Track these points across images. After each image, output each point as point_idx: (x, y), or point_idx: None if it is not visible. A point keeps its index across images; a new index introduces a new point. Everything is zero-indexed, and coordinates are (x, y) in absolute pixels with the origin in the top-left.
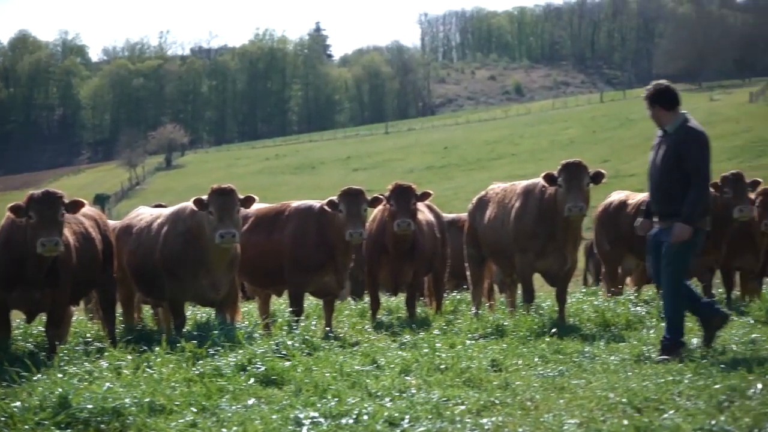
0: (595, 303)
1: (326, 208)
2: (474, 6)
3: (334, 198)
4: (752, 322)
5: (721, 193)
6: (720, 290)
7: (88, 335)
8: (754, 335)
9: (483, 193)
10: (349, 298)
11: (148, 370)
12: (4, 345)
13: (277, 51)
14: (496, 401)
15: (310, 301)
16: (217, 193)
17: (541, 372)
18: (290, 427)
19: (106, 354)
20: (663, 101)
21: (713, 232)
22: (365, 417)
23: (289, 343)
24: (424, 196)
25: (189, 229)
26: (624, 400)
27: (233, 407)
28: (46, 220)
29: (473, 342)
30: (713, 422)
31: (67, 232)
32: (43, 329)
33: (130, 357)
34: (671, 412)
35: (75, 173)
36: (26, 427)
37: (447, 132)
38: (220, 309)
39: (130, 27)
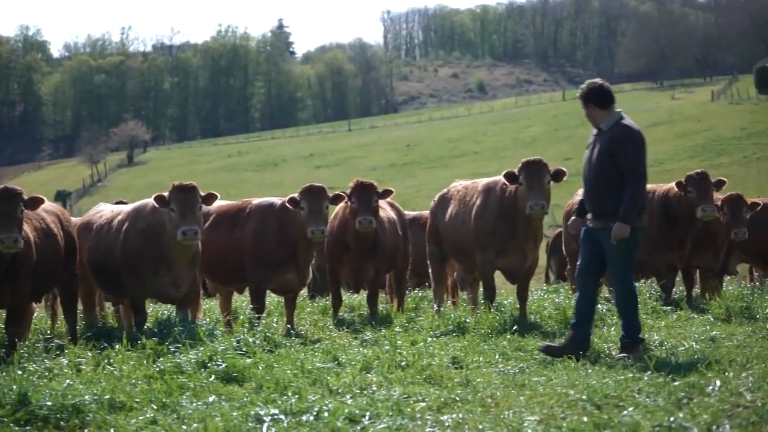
0: (557, 300)
1: (288, 205)
2: (437, 4)
3: (296, 195)
4: (712, 319)
5: (686, 192)
6: (681, 288)
7: (49, 332)
8: (713, 333)
9: (445, 190)
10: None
11: (108, 367)
12: None
13: (240, 48)
14: (457, 398)
15: (272, 299)
16: (179, 190)
17: (502, 369)
18: (250, 424)
19: (66, 351)
20: (597, 100)
21: (677, 230)
22: (326, 414)
23: (251, 340)
24: (386, 193)
25: (149, 226)
26: (584, 396)
27: (194, 404)
28: (5, 217)
29: (434, 339)
30: (672, 419)
31: (27, 228)
32: (2, 326)
33: (90, 354)
34: (631, 408)
35: (36, 170)
36: None
37: (410, 130)
38: (181, 306)
39: (92, 23)
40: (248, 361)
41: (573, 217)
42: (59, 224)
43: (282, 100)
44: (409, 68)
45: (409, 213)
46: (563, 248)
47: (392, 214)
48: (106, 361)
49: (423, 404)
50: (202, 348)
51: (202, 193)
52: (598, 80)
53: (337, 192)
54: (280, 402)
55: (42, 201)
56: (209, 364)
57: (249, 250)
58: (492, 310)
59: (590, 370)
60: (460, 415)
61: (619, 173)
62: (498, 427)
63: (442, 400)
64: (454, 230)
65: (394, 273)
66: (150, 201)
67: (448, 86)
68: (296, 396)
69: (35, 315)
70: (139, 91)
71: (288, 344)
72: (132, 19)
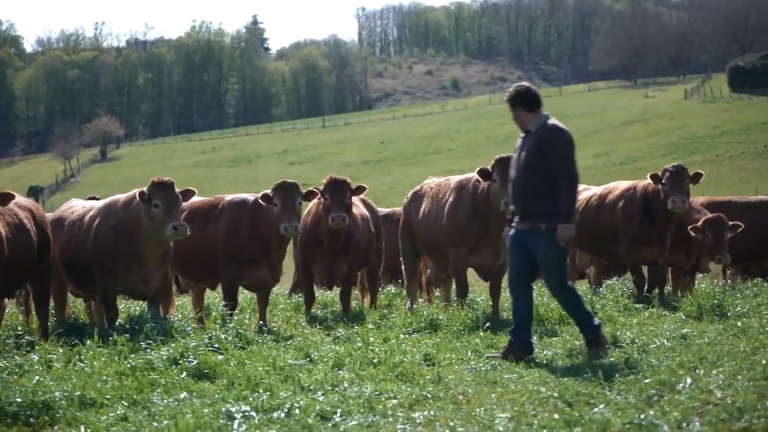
0: None
1: (261, 201)
2: (411, 1)
3: (269, 191)
4: (684, 317)
5: (661, 185)
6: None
7: (20, 328)
8: (685, 330)
9: (418, 187)
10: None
11: (79, 363)
12: None
13: (214, 44)
14: (428, 395)
15: (245, 295)
16: (161, 186)
17: (474, 366)
18: (222, 421)
19: (37, 347)
20: (524, 102)
21: (656, 225)
22: (297, 411)
23: (222, 336)
24: (359, 190)
25: (121, 222)
26: (555, 394)
27: (165, 401)
28: None
29: (407, 336)
30: (642, 416)
31: None
32: None
33: (61, 350)
34: (602, 406)
35: (8, 165)
36: None
37: (384, 126)
38: (152, 302)
39: (65, 18)
40: (220, 357)
41: (507, 228)
42: (32, 220)
43: (256, 96)
44: (384, 65)
45: (383, 210)
46: None
47: (365, 211)
48: (77, 357)
49: (395, 401)
50: (173, 344)
51: (179, 189)
52: (525, 84)
53: (310, 188)
54: (251, 399)
55: (12, 197)
56: (181, 361)
57: (221, 247)
58: (465, 307)
59: (562, 367)
60: (432, 412)
61: (550, 173)
62: (469, 424)
63: (414, 397)
64: (427, 227)
65: (367, 270)
66: (121, 197)
67: (423, 83)
68: (268, 393)
69: (7, 311)
70: (113, 87)
71: (260, 341)
72: (106, 15)
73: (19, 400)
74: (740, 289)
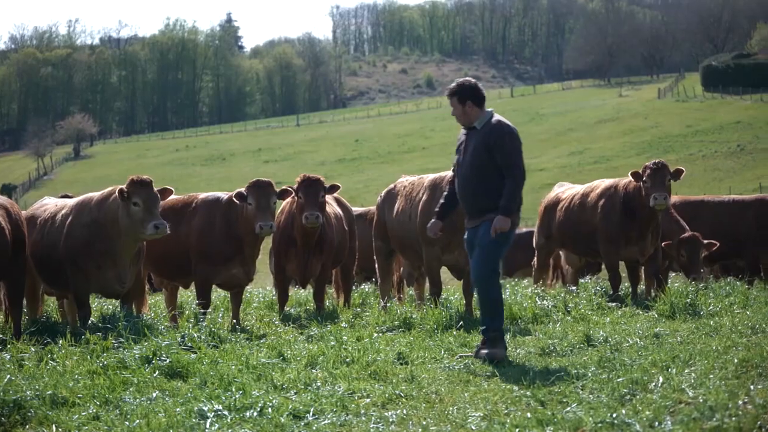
0: (503, 296)
1: (235, 200)
2: None
3: (243, 190)
4: (657, 316)
5: (642, 183)
6: (626, 284)
7: None
8: (657, 329)
9: (392, 186)
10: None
11: (51, 362)
12: None
13: (188, 41)
14: (402, 394)
15: (218, 293)
16: (141, 184)
17: (447, 365)
18: (194, 420)
19: (9, 346)
20: (475, 97)
21: (637, 223)
22: (270, 410)
23: (195, 335)
24: (333, 188)
25: (95, 220)
26: (528, 393)
27: (137, 400)
28: None
29: (380, 335)
30: (615, 415)
31: None
32: None
33: (33, 349)
34: (574, 405)
35: None
36: None
37: (358, 125)
38: (125, 301)
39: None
40: (193, 356)
41: (433, 220)
42: (7, 217)
43: (230, 94)
44: (358, 63)
45: (358, 209)
46: (533, 242)
47: (338, 210)
48: (49, 356)
49: (367, 400)
50: (146, 343)
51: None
52: (470, 79)
53: (284, 187)
54: (224, 398)
55: None
56: (153, 360)
57: (195, 245)
58: (438, 306)
59: (535, 367)
60: (405, 411)
61: (497, 171)
62: (442, 422)
63: (387, 396)
64: (401, 226)
65: (340, 268)
66: (95, 195)
67: (397, 82)
68: (240, 392)
69: None
70: (87, 85)
71: (233, 340)
72: (79, 12)
73: None
74: (713, 288)
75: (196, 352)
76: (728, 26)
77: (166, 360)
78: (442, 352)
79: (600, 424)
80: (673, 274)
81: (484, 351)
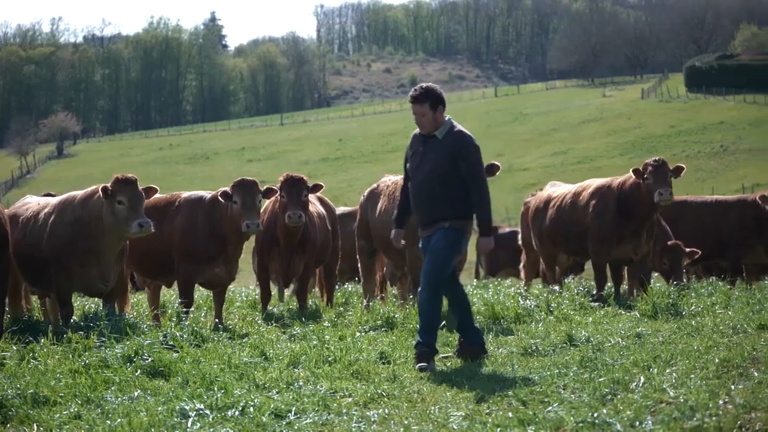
0: (485, 296)
1: (220, 199)
2: None
3: (228, 189)
4: (639, 316)
5: (643, 180)
6: (608, 284)
7: None
8: (639, 329)
9: (375, 185)
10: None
11: (33, 361)
12: None
13: (172, 40)
14: (384, 393)
15: (201, 293)
16: (126, 182)
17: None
18: (176, 419)
19: None
20: (443, 104)
21: (632, 221)
22: (252, 409)
23: (178, 334)
24: (316, 188)
25: (79, 218)
26: (510, 392)
27: (119, 399)
28: None
29: (363, 334)
30: (596, 414)
31: None
32: None
33: (15, 348)
34: (556, 404)
35: None
36: None
37: (342, 124)
38: (107, 299)
39: (22, 13)
40: (175, 355)
41: (394, 230)
42: None
43: (214, 93)
44: (342, 63)
45: (342, 209)
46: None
47: (321, 209)
48: (30, 355)
49: (349, 399)
50: (128, 342)
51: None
52: (433, 84)
53: (268, 186)
54: (206, 397)
55: None
56: (135, 359)
57: (178, 244)
58: None
59: (517, 366)
60: (387, 410)
61: (458, 180)
62: (424, 422)
63: (369, 395)
64: (384, 225)
65: (323, 268)
66: (78, 193)
67: (381, 81)
68: (222, 391)
69: None
70: (70, 83)
71: (216, 339)
72: (62, 10)
73: None
74: (695, 289)
75: (178, 351)
76: (712, 27)
77: (148, 359)
78: None
79: (581, 424)
80: (656, 274)
81: (418, 364)
